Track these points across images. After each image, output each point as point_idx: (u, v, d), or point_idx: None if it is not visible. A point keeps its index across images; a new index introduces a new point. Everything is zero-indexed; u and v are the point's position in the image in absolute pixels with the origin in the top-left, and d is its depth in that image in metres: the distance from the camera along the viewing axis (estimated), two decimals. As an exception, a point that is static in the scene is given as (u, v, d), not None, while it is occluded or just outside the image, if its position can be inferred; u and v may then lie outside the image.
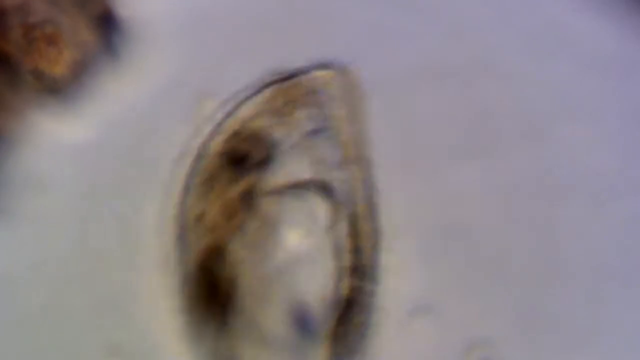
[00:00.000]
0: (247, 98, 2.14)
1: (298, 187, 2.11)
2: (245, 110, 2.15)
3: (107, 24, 2.20)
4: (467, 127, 2.21)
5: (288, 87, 2.14)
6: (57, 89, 2.19)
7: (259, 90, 2.15)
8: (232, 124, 2.15)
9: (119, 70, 2.19)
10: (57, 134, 2.19)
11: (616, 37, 2.20)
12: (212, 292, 2.11)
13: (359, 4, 2.21)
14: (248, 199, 2.11)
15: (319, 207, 2.13)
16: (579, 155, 2.20)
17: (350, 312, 2.13)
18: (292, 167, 2.12)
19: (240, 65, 2.20)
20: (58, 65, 2.19)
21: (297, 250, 2.11)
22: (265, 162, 2.10)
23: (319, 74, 2.15)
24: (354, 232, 2.13)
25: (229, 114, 2.15)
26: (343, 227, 2.13)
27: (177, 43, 2.20)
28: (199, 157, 2.14)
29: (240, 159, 2.12)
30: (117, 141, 2.20)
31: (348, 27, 2.20)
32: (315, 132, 2.13)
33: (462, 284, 2.18)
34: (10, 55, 2.18)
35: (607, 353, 2.17)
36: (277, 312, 2.11)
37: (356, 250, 2.13)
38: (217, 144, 2.14)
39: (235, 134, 2.14)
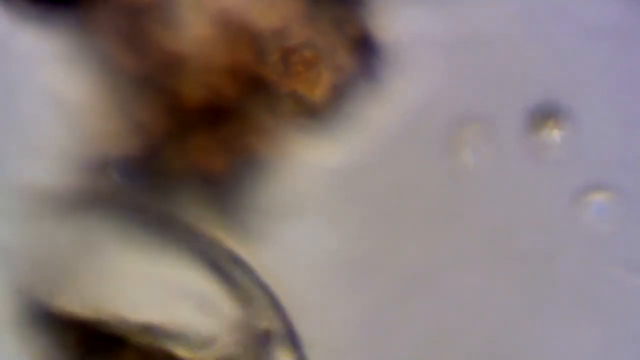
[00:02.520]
0: None
1: None
2: None
3: (365, 47, 2.19)
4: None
5: None
6: (316, 113, 2.18)
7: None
8: None
9: (376, 94, 2.19)
10: (315, 157, 2.19)
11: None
12: None
13: None
14: None
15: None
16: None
17: None
18: None
19: (501, 92, 2.19)
20: (317, 88, 2.18)
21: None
22: None
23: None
24: None
25: None
26: None
27: (436, 66, 2.19)
28: None
29: None
30: (374, 166, 2.20)
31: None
32: None
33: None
34: (268, 79, 2.18)
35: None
36: None
37: None
38: None
39: None
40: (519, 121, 2.20)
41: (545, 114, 2.20)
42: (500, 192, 2.19)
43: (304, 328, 2.19)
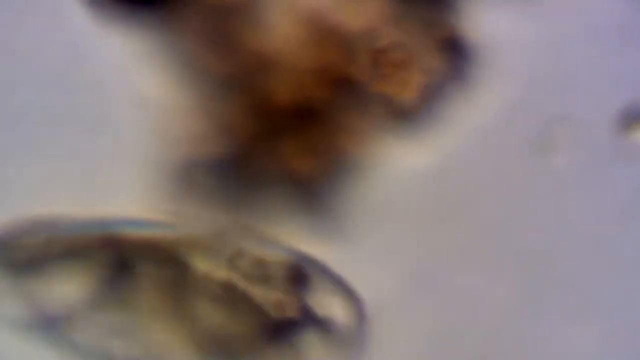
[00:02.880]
0: None
1: None
2: None
3: (454, 49, 2.17)
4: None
5: None
6: (405, 115, 2.16)
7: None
8: None
9: (466, 96, 2.17)
10: (404, 159, 2.17)
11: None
12: None
13: None
14: None
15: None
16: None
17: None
18: None
19: (591, 93, 2.18)
20: (406, 90, 2.16)
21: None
22: None
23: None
24: None
25: None
26: None
27: (525, 68, 2.18)
28: None
29: None
30: (463, 168, 2.18)
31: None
32: None
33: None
34: (357, 81, 2.16)
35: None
36: None
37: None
38: None
39: None
40: (609, 123, 2.19)
41: (635, 116, 2.19)
42: (590, 194, 2.18)
43: (378, 331, 2.18)
